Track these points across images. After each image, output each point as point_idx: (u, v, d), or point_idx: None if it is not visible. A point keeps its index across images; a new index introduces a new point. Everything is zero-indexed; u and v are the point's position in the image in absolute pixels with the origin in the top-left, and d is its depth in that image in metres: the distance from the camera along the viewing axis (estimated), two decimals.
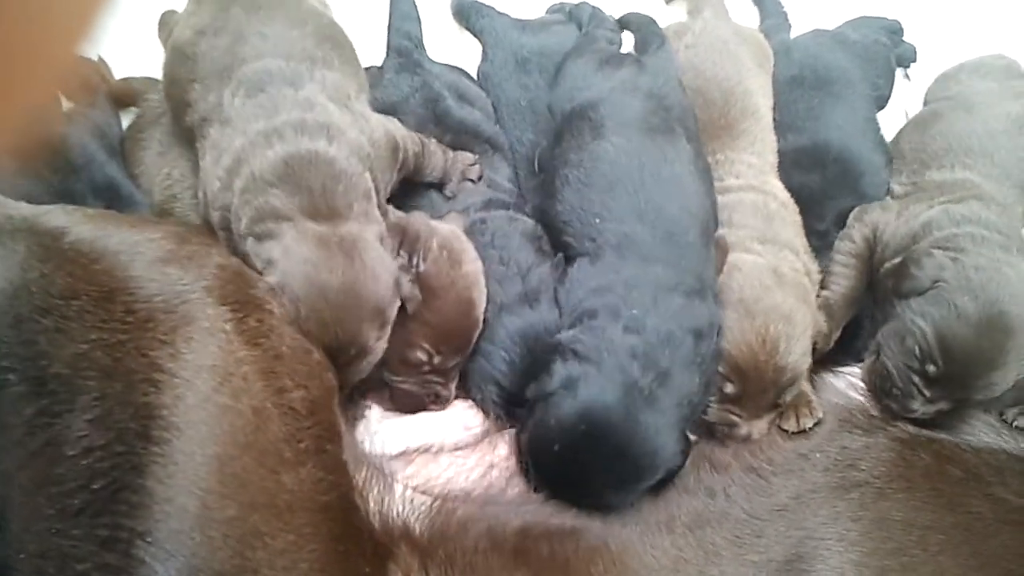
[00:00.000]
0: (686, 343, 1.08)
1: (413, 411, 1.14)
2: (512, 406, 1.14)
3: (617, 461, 1.02)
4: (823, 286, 1.29)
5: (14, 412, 0.83)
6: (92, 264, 0.91)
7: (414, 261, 1.10)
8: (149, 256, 0.92)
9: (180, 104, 1.17)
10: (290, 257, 0.97)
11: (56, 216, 0.97)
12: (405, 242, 1.11)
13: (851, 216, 1.34)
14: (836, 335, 1.27)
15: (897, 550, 1.04)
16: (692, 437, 1.18)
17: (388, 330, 1.04)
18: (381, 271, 1.01)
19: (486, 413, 1.17)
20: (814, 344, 1.18)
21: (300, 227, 0.99)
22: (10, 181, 1.10)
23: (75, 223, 0.96)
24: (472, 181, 1.30)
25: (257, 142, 1.03)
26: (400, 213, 1.18)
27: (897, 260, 1.22)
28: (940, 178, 1.33)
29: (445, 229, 1.16)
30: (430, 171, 1.25)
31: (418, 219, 1.15)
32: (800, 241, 1.27)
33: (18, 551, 0.80)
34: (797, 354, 1.13)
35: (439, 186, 1.30)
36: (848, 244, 1.31)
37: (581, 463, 1.03)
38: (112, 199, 1.23)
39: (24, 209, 0.99)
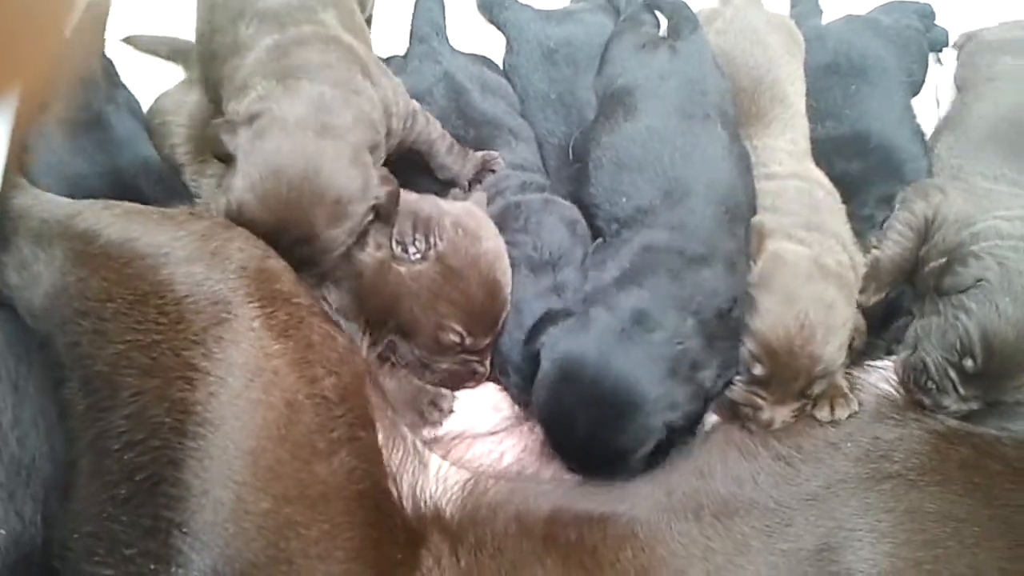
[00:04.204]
0: (675, 292, 1.09)
1: (453, 389, 1.14)
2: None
3: (598, 400, 1.03)
4: (874, 246, 1.29)
5: (71, 407, 0.88)
6: (124, 268, 0.93)
7: (431, 242, 1.10)
8: (175, 257, 0.94)
9: (205, 60, 1.18)
10: (262, 140, 0.99)
11: (87, 217, 0.99)
12: (418, 226, 1.10)
13: (912, 189, 1.33)
14: (880, 296, 1.27)
15: (931, 542, 1.02)
16: (715, 419, 1.18)
17: (347, 227, 1.03)
18: (346, 163, 1.01)
19: (513, 399, 1.18)
20: (851, 341, 1.17)
21: (282, 111, 1.00)
22: (61, 161, 1.14)
23: (105, 225, 0.97)
24: (492, 171, 1.29)
25: (266, 58, 1.06)
26: (411, 195, 1.16)
27: (942, 261, 1.22)
28: (987, 186, 1.31)
29: (458, 207, 1.16)
30: (441, 159, 1.26)
31: (427, 202, 1.15)
32: (846, 231, 1.26)
33: (74, 531, 0.83)
34: (834, 346, 1.12)
35: (453, 184, 1.30)
36: (908, 215, 1.30)
37: (567, 410, 1.04)
38: (156, 179, 1.24)
39: (57, 211, 1.01)
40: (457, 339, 1.10)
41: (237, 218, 1.00)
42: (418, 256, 1.10)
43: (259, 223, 0.99)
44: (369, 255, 1.11)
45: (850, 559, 1.00)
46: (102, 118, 1.21)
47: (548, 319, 1.11)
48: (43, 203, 1.02)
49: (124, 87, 1.33)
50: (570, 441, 1.06)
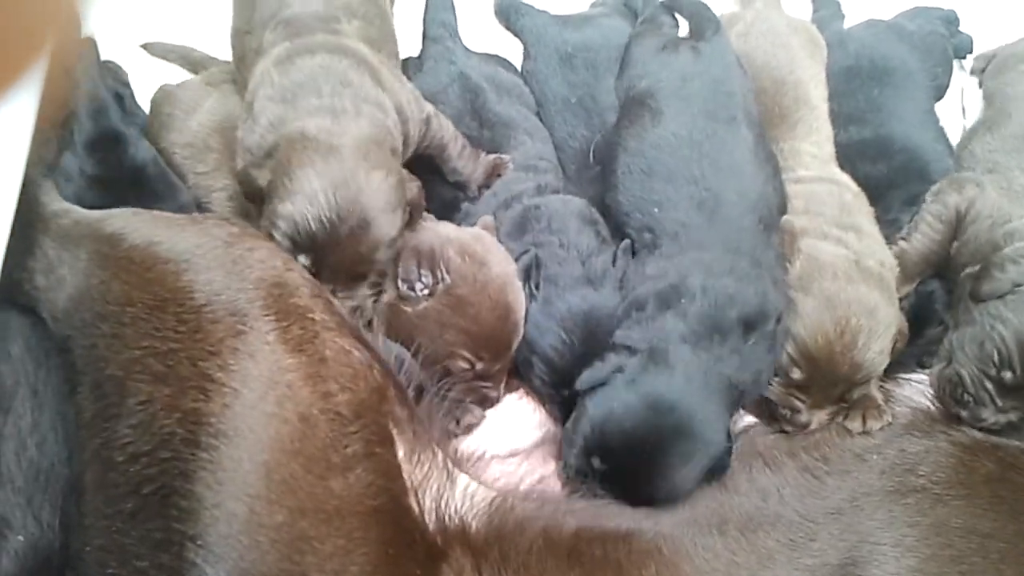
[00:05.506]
0: (734, 331, 1.05)
1: (462, 426, 1.09)
2: (559, 387, 1.10)
3: (677, 441, 1.01)
4: (901, 238, 1.24)
5: (81, 413, 0.87)
6: (145, 272, 0.91)
7: (438, 276, 1.06)
8: (197, 265, 0.92)
9: (237, 59, 1.18)
10: (290, 162, 0.97)
11: (115, 221, 0.98)
12: (422, 262, 1.06)
13: (947, 181, 1.27)
14: (908, 289, 1.22)
15: (956, 557, 0.98)
16: (749, 419, 1.16)
17: (398, 214, 1.01)
18: (376, 161, 0.98)
19: (535, 392, 1.13)
20: (894, 344, 1.12)
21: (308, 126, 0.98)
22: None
23: (132, 229, 0.96)
24: (500, 175, 1.26)
25: (273, 71, 1.04)
26: (422, 222, 1.13)
27: (977, 267, 1.17)
28: None
29: (463, 235, 1.11)
30: (453, 162, 1.22)
31: (429, 234, 1.10)
32: (877, 233, 1.21)
33: (84, 543, 0.82)
34: (875, 351, 1.08)
35: (464, 188, 1.26)
36: (939, 208, 1.24)
37: (635, 449, 1.01)
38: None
39: (88, 215, 1.01)
40: (467, 365, 1.06)
41: (295, 240, 0.97)
42: (426, 292, 1.06)
43: (315, 237, 0.96)
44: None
45: (875, 573, 0.97)
46: (140, 174, 1.19)
47: (612, 343, 1.07)
48: (76, 208, 1.03)
49: (140, 112, 1.31)
50: (629, 477, 1.02)
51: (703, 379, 1.02)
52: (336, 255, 0.97)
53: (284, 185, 0.96)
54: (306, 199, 0.95)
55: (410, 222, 1.07)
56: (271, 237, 0.98)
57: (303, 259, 0.97)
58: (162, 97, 1.29)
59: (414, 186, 1.05)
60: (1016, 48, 1.50)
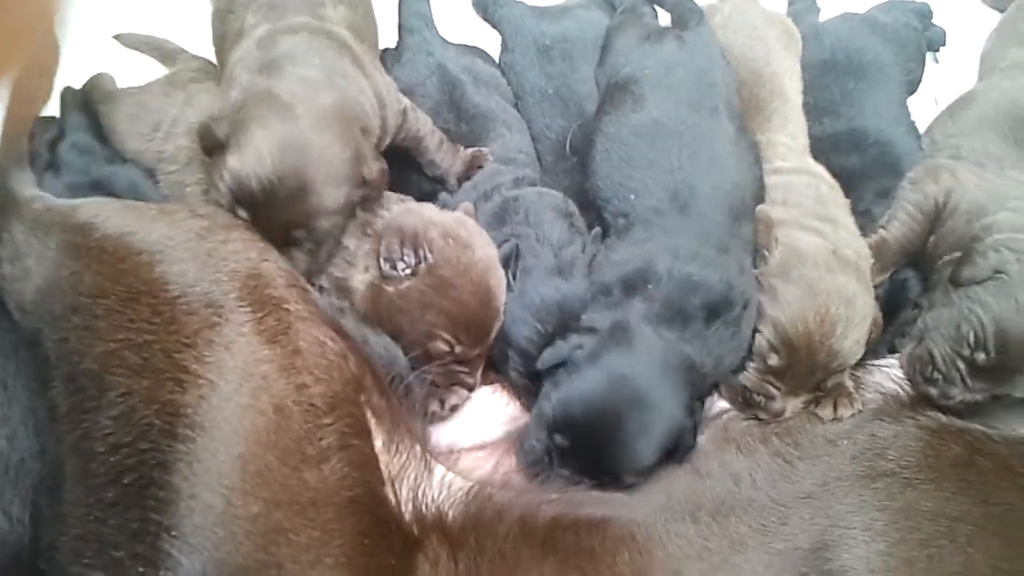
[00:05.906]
0: (697, 317, 1.07)
1: (447, 407, 1.08)
2: (534, 378, 1.10)
3: (637, 419, 1.01)
4: (881, 227, 1.25)
5: (55, 407, 0.85)
6: (118, 263, 0.90)
7: (420, 255, 1.05)
8: (170, 256, 0.91)
9: (217, 40, 1.18)
10: (251, 120, 0.97)
11: (86, 209, 0.97)
12: (405, 241, 1.06)
13: (922, 168, 1.28)
14: (883, 277, 1.24)
15: (925, 541, 0.99)
16: (724, 404, 1.16)
17: (343, 189, 1.01)
18: (337, 133, 0.99)
19: (509, 383, 1.14)
20: (869, 334, 1.13)
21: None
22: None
23: (103, 218, 0.95)
24: (480, 167, 1.26)
25: (255, 49, 1.04)
26: (394, 210, 1.12)
27: (957, 255, 1.18)
28: (993, 171, 1.26)
29: (447, 218, 1.11)
30: (430, 155, 1.22)
31: (412, 215, 1.10)
32: (852, 225, 1.22)
33: (61, 533, 0.82)
34: (852, 340, 1.09)
35: (442, 181, 1.26)
36: (919, 197, 1.24)
37: (594, 422, 1.02)
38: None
39: (60, 203, 1.00)
40: (446, 348, 1.05)
41: (236, 194, 0.97)
42: (408, 271, 1.05)
43: (255, 195, 0.96)
44: (359, 280, 1.07)
45: (844, 557, 0.98)
46: (111, 181, 1.18)
47: (576, 325, 1.08)
48: (47, 196, 1.02)
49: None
50: (590, 452, 1.02)
51: (662, 356, 1.03)
52: (272, 215, 0.98)
53: (238, 140, 0.96)
54: (254, 157, 0.95)
55: (367, 201, 1.07)
56: (217, 189, 0.98)
57: (242, 212, 0.98)
58: (122, 100, 1.27)
59: (376, 167, 1.04)
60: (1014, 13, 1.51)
